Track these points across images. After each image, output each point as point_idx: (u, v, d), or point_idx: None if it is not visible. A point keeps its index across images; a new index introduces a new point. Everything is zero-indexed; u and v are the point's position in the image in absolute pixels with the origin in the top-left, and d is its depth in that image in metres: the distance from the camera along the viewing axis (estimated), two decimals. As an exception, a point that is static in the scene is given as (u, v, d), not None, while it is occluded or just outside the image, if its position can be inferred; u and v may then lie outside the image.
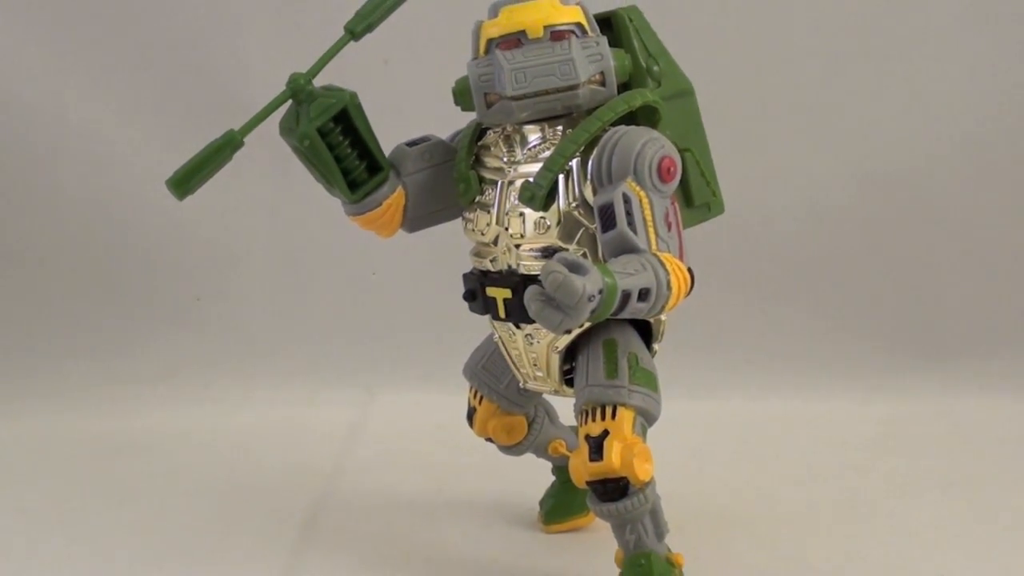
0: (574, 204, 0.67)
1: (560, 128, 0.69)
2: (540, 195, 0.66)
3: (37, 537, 0.86)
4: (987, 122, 1.24)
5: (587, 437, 0.66)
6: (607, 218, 0.65)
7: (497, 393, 0.79)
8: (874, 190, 1.25)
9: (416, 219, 0.73)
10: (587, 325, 0.66)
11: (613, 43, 0.70)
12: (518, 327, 0.71)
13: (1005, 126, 1.24)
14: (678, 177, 0.67)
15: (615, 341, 0.68)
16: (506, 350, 0.74)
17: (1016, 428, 1.08)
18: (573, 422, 0.71)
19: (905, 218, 1.25)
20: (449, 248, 0.79)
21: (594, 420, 0.66)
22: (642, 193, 0.64)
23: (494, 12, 0.69)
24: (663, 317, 0.71)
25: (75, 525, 0.88)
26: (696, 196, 0.73)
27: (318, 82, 0.69)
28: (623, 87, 0.69)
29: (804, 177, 1.25)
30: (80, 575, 0.78)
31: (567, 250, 0.67)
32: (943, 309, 1.25)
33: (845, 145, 1.25)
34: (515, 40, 0.67)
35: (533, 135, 0.69)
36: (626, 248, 0.64)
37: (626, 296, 0.59)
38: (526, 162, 0.69)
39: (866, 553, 0.78)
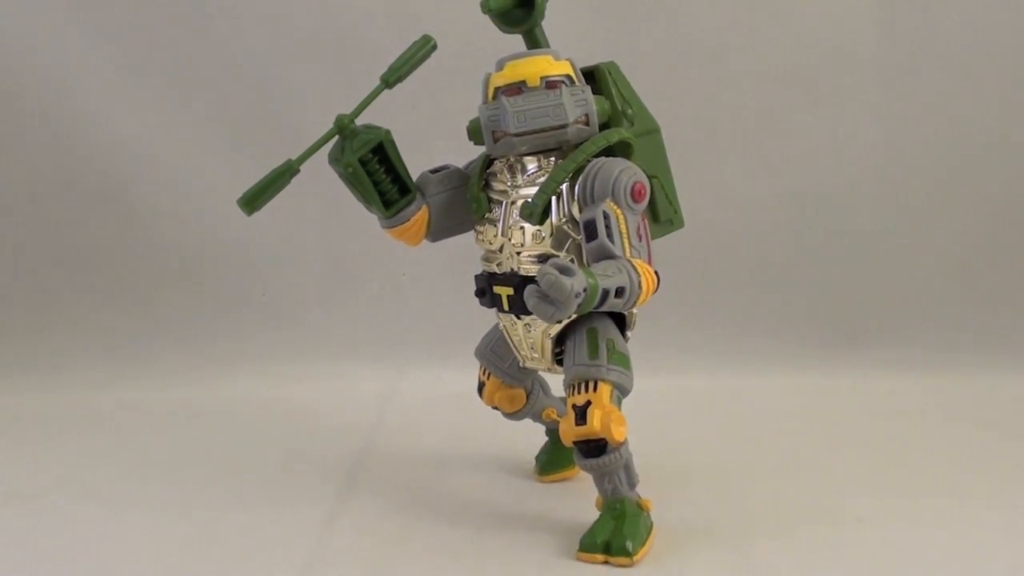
0: (564, 220, 0.67)
1: (553, 159, 0.68)
2: (537, 212, 0.66)
3: (134, 484, 0.86)
4: (893, 152, 1.24)
5: (573, 406, 0.66)
6: (590, 231, 0.65)
7: (502, 371, 0.78)
8: (802, 208, 1.25)
9: (437, 231, 0.73)
10: (574, 316, 0.65)
11: (595, 91, 0.69)
12: (519, 318, 0.70)
13: (907, 155, 1.24)
14: (647, 198, 0.67)
15: (596, 329, 0.68)
16: (509, 336, 0.74)
17: (913, 400, 1.07)
18: (563, 394, 0.71)
19: (827, 230, 1.25)
20: (464, 255, 0.78)
21: (579, 392, 0.66)
22: (619, 211, 0.64)
23: (500, 66, 0.68)
24: (635, 311, 0.71)
25: (163, 474, 0.88)
26: (662, 213, 0.72)
27: (359, 122, 0.69)
28: (603, 126, 0.69)
29: (747, 199, 1.25)
30: (166, 514, 0.78)
31: (558, 256, 0.67)
32: (856, 304, 1.24)
33: (779, 173, 1.25)
34: (517, 88, 0.67)
35: (531, 164, 0.69)
36: (605, 255, 0.64)
37: (605, 293, 0.59)
38: (525, 186, 0.68)
39: (796, 499, 0.78)
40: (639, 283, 0.62)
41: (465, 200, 0.72)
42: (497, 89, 0.68)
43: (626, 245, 0.64)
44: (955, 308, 1.23)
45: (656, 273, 0.65)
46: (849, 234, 1.25)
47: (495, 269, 0.70)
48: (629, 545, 0.66)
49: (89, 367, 1.23)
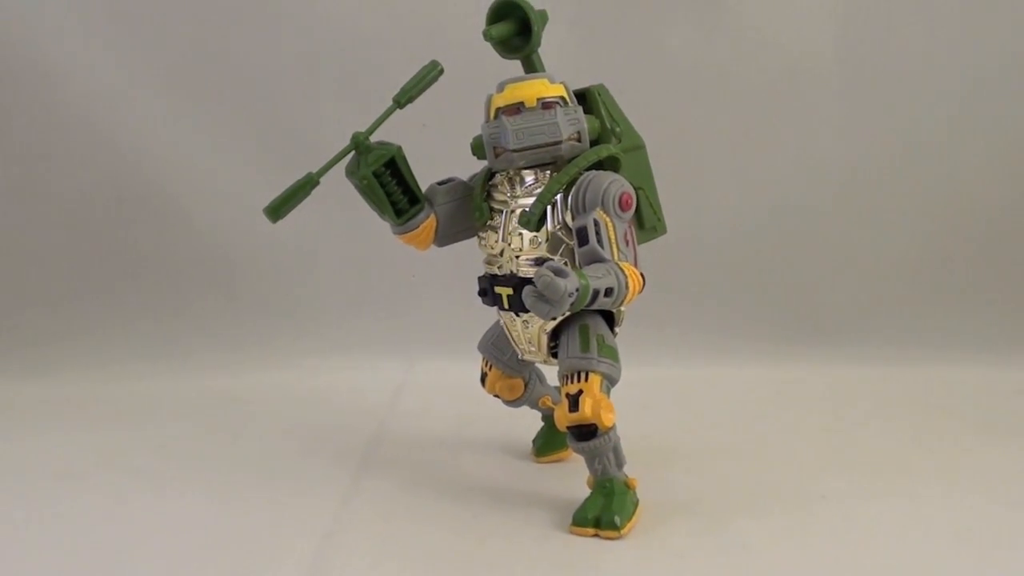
0: (558, 227, 0.67)
1: (548, 172, 0.68)
2: (534, 220, 0.66)
3: (171, 465, 0.86)
4: (854, 162, 1.24)
5: (567, 395, 0.66)
6: (582, 237, 0.65)
7: (502, 362, 0.78)
8: (774, 214, 1.25)
9: (444, 237, 0.73)
10: (567, 314, 0.65)
11: (586, 111, 0.69)
12: (518, 315, 0.70)
13: (868, 165, 1.24)
14: (634, 207, 0.67)
15: (588, 326, 0.68)
16: (508, 332, 0.74)
17: (873, 389, 1.07)
18: (557, 383, 0.71)
19: (796, 235, 1.25)
20: (468, 258, 0.78)
21: (572, 382, 0.66)
22: (608, 219, 0.64)
23: (500, 88, 0.68)
24: (623, 309, 0.71)
25: (197, 456, 0.88)
26: (646, 221, 0.72)
27: (373, 139, 0.69)
28: (594, 143, 0.69)
29: (724, 207, 1.25)
30: (199, 491, 0.78)
31: (553, 260, 0.67)
32: (825, 302, 1.24)
33: (752, 183, 1.25)
34: (516, 108, 0.67)
35: (529, 177, 0.69)
36: (596, 258, 0.64)
37: (596, 293, 0.60)
38: (523, 196, 0.68)
39: (767, 478, 0.78)
40: (626, 284, 0.62)
41: (469, 209, 0.72)
42: (498, 109, 0.68)
43: (615, 250, 0.64)
44: (913, 306, 1.22)
45: (642, 275, 0.65)
46: (817, 238, 1.25)
47: (496, 271, 0.71)
48: (617, 520, 0.66)
49: (133, 361, 1.23)
